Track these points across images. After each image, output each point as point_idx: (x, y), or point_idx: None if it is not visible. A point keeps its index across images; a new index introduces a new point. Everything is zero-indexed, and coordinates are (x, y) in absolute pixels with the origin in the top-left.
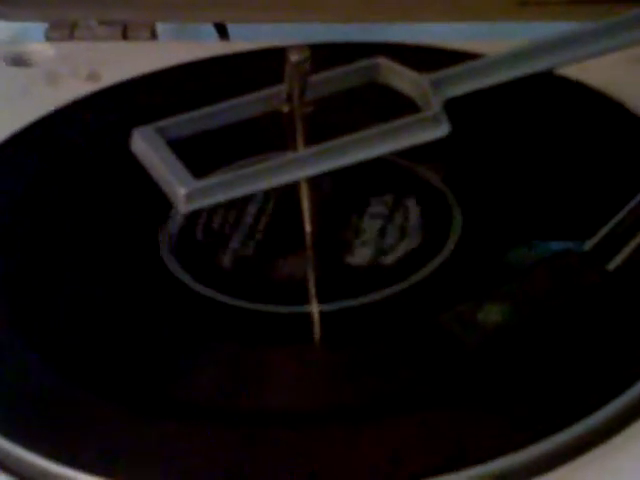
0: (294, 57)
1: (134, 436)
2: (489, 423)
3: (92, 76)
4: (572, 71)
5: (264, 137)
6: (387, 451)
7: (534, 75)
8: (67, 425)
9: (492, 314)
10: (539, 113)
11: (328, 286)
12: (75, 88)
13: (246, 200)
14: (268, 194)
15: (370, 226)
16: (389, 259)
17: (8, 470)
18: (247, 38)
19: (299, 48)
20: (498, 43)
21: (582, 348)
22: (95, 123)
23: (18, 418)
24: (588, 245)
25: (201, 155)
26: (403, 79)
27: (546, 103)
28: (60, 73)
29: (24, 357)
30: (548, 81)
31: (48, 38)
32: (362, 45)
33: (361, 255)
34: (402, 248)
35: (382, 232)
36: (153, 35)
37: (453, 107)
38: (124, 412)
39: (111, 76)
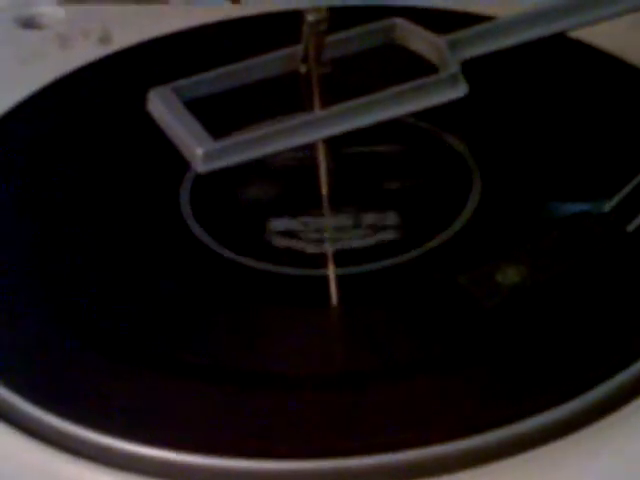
0: (311, 17)
1: (149, 396)
2: (505, 386)
3: (103, 39)
4: (586, 34)
5: (281, 99)
6: (401, 413)
7: (549, 39)
8: (86, 388)
9: (510, 275)
10: (557, 77)
11: (348, 250)
12: (86, 51)
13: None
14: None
15: (386, 192)
16: (406, 223)
17: (31, 432)
18: (258, 1)
19: (316, 8)
20: (511, 6)
21: (599, 311)
22: (110, 85)
23: (36, 381)
24: (607, 207)
25: (218, 118)
26: (420, 40)
27: (564, 67)
28: (71, 36)
29: (41, 321)
30: (565, 45)
31: (59, 1)
32: (377, 8)
33: (383, 219)
34: (421, 212)
35: (400, 197)
36: None
37: (471, 71)
38: (138, 373)
39: (122, 39)
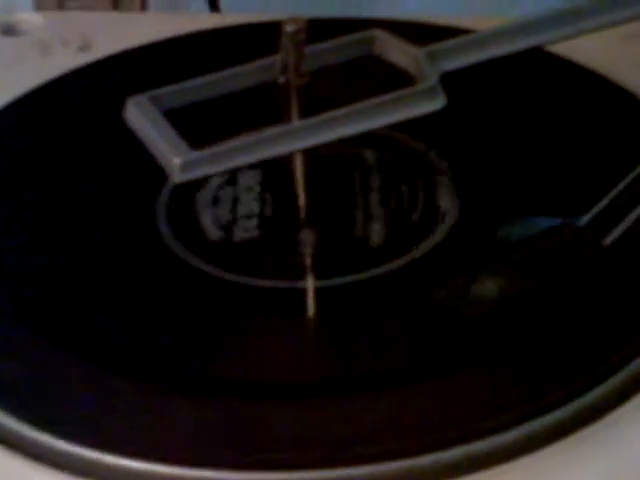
0: (290, 27)
1: (124, 408)
2: (484, 397)
3: (83, 46)
4: (562, 48)
5: (259, 110)
6: (384, 424)
7: (526, 53)
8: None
9: (486, 287)
10: (533, 91)
11: (324, 262)
12: (66, 58)
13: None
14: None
15: (366, 202)
16: (383, 236)
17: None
18: (237, 9)
19: (295, 19)
20: (490, 20)
21: (576, 323)
22: (88, 94)
23: (28, 400)
24: (583, 220)
25: (196, 128)
26: (399, 52)
27: (540, 81)
28: (50, 43)
29: (25, 339)
30: (541, 59)
31: (38, 7)
32: (356, 20)
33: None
34: (398, 225)
35: (379, 210)
36: (143, 6)
37: (448, 85)
38: (113, 385)
39: (102, 46)
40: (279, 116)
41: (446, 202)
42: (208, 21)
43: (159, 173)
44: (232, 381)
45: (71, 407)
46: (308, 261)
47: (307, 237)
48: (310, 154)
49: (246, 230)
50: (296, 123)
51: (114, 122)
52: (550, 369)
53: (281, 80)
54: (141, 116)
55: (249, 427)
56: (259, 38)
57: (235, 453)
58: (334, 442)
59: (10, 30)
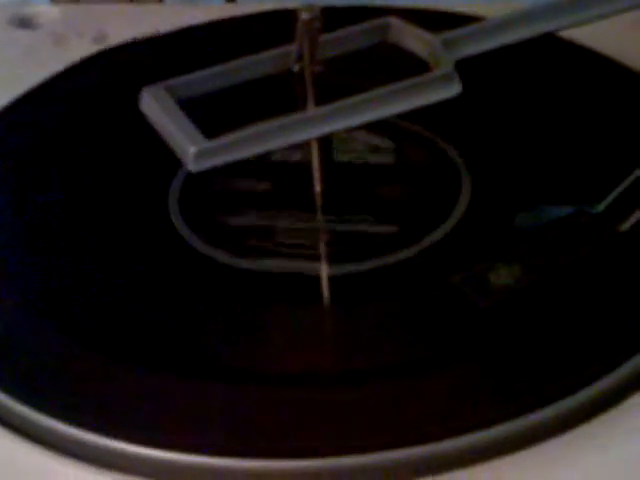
0: (305, 15)
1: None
2: (497, 385)
3: (98, 39)
4: (578, 34)
5: (274, 98)
6: (395, 413)
7: (539, 39)
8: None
9: (503, 275)
10: (546, 77)
11: (338, 249)
12: (81, 50)
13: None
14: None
15: (380, 189)
16: (397, 224)
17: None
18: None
19: (310, 7)
20: (504, 6)
21: (592, 310)
22: (103, 84)
23: (40, 386)
24: (600, 207)
25: (211, 117)
26: (414, 39)
27: (553, 67)
28: (66, 35)
29: (39, 324)
30: (554, 45)
31: (53, 0)
32: (371, 8)
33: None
34: (413, 213)
35: (393, 197)
36: None
37: (461, 72)
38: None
39: (117, 38)
40: (294, 104)
41: (461, 190)
42: (224, 12)
43: (173, 162)
44: (243, 369)
45: (85, 396)
46: (322, 248)
47: (321, 224)
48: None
49: (259, 217)
50: (311, 111)
51: (129, 111)
52: (563, 359)
53: (296, 68)
54: (156, 105)
55: (256, 414)
56: (274, 27)
57: (243, 441)
58: (342, 430)
59: (26, 22)
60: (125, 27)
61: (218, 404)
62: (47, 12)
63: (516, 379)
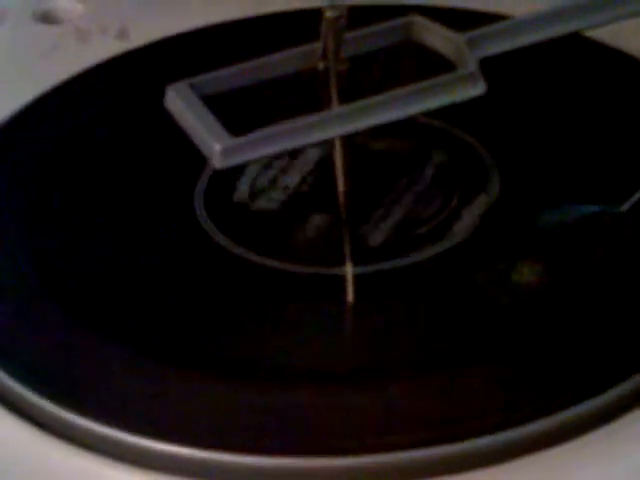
0: (330, 14)
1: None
2: (520, 386)
3: (121, 33)
4: (603, 33)
5: (299, 96)
6: (416, 410)
7: (564, 38)
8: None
9: (526, 274)
10: (573, 77)
11: (363, 248)
12: (104, 46)
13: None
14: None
15: (407, 189)
16: (425, 221)
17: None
18: None
19: (335, 5)
20: (529, 5)
21: (616, 311)
22: (127, 82)
23: (49, 373)
24: (624, 207)
25: (236, 114)
26: (438, 37)
27: (580, 67)
28: (89, 30)
29: (55, 315)
30: (579, 44)
31: None
32: (395, 7)
33: (396, 220)
34: (438, 210)
35: (419, 195)
36: None
37: (486, 70)
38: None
39: (140, 34)
40: (319, 102)
41: (486, 188)
42: (249, 8)
43: (198, 160)
44: (263, 366)
45: (107, 391)
46: (346, 247)
47: (346, 224)
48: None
49: (280, 213)
50: (335, 109)
51: (154, 109)
52: (582, 363)
53: (321, 66)
54: (181, 103)
55: (276, 413)
56: (299, 25)
57: (264, 437)
58: (363, 430)
59: (48, 17)
60: (149, 23)
61: (240, 402)
62: (70, 7)
63: (529, 383)
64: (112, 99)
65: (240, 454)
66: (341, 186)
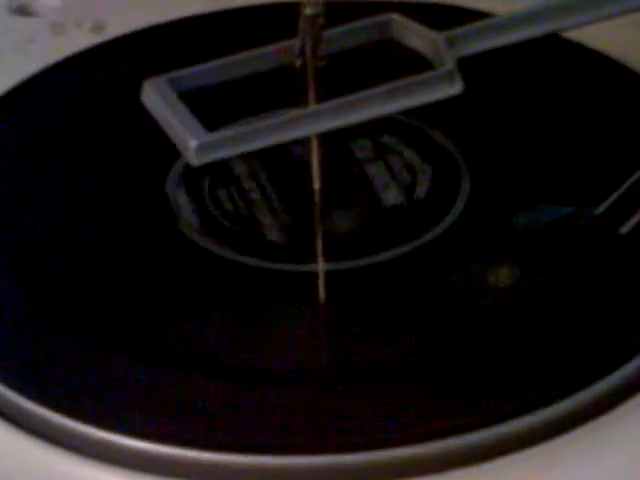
0: (308, 11)
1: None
2: (495, 386)
3: (96, 27)
4: (581, 35)
5: (276, 93)
6: (390, 412)
7: (542, 39)
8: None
9: (502, 275)
10: (548, 78)
11: (336, 245)
12: (79, 39)
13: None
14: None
15: (376, 187)
16: (394, 220)
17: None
18: None
19: (313, 2)
20: (509, 4)
21: (592, 312)
22: (102, 75)
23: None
24: (600, 209)
25: (212, 110)
26: (416, 36)
27: (555, 68)
28: (64, 23)
29: (29, 310)
30: (556, 45)
31: None
32: (373, 4)
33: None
34: (410, 211)
35: (392, 193)
36: None
37: (464, 70)
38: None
39: (115, 27)
40: (296, 99)
41: (459, 189)
42: (226, 3)
43: (173, 154)
44: (245, 367)
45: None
46: (319, 245)
47: (318, 221)
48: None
49: (255, 211)
50: (313, 107)
51: (128, 102)
52: (559, 362)
53: (298, 63)
54: (157, 98)
55: (252, 412)
56: (277, 20)
57: (246, 437)
58: (335, 428)
59: (23, 10)
60: (124, 17)
61: (225, 401)
62: (45, 0)
63: (510, 381)
64: (85, 92)
65: (218, 452)
66: (316, 184)
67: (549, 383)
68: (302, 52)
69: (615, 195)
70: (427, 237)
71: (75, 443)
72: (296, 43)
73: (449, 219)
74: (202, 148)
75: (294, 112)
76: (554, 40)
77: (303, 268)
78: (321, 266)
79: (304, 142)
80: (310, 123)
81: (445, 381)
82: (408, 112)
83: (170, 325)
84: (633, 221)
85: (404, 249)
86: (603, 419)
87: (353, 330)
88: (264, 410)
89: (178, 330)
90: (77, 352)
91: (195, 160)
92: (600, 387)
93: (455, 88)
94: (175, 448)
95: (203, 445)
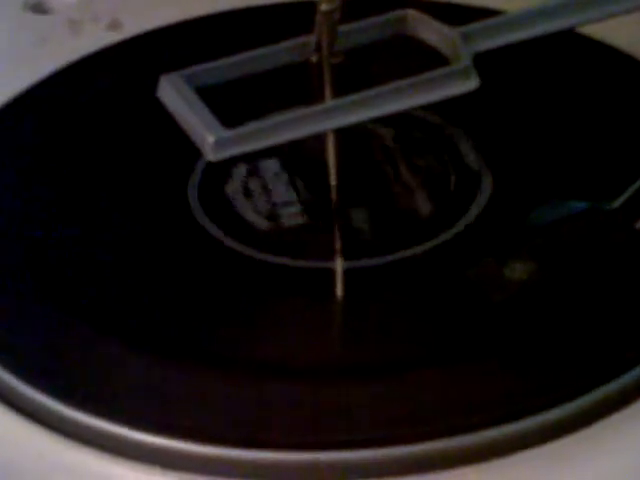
0: (324, 6)
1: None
2: (511, 382)
3: (113, 24)
4: (599, 31)
5: (293, 89)
6: (407, 407)
7: (560, 35)
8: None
9: (518, 271)
10: (565, 73)
11: (354, 243)
12: (96, 36)
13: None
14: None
15: (397, 184)
16: (417, 217)
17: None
18: None
19: None
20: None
21: (608, 308)
22: (120, 72)
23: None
24: (616, 204)
25: (229, 106)
26: (432, 32)
27: (572, 63)
28: (80, 21)
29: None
30: (577, 41)
31: None
32: (390, 0)
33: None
34: (432, 207)
35: (411, 191)
36: None
37: (482, 67)
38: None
39: (132, 24)
40: (312, 95)
41: (477, 185)
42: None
43: (192, 151)
44: (258, 361)
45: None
46: (338, 242)
47: (336, 218)
48: (342, 134)
49: (281, 213)
50: (329, 102)
51: (146, 100)
52: (574, 359)
53: (315, 59)
54: (174, 94)
55: (272, 407)
56: (293, 17)
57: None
58: (351, 424)
59: (39, 7)
60: (141, 14)
61: (239, 396)
62: None
63: (525, 378)
64: (104, 90)
65: (225, 447)
66: (333, 180)
67: (560, 383)
68: (318, 48)
69: (631, 190)
70: (446, 234)
71: (69, 428)
72: (312, 39)
73: (469, 217)
74: (219, 144)
75: (310, 108)
76: (570, 35)
77: (320, 265)
78: (339, 263)
79: (323, 139)
80: (326, 119)
81: (451, 380)
82: (427, 109)
83: (178, 319)
84: None
85: (422, 247)
86: (615, 417)
87: (369, 327)
88: (273, 405)
89: (191, 325)
90: (88, 345)
91: (212, 156)
92: (619, 383)
93: (471, 84)
94: (175, 441)
95: (204, 438)
